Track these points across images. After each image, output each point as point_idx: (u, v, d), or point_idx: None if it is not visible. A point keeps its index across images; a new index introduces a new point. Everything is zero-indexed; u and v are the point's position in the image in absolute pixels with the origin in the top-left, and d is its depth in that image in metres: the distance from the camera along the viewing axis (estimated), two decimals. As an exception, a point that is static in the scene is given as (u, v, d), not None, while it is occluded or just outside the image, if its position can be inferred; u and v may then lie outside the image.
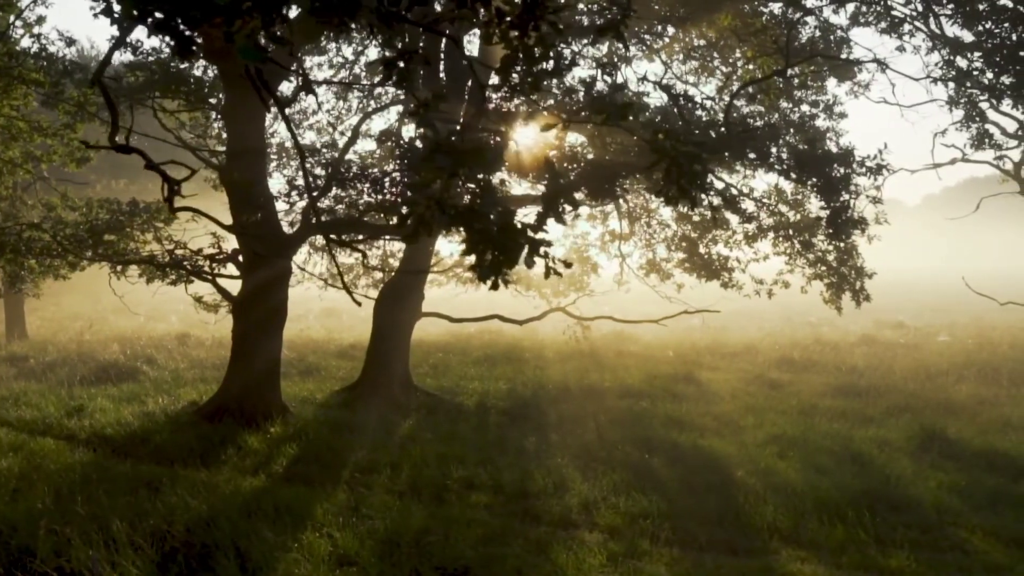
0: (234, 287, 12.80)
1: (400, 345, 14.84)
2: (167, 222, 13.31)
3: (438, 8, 10.82)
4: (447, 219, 3.23)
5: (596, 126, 10.64)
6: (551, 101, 14.64)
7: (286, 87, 14.65)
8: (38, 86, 13.41)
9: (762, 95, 15.16)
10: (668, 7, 15.38)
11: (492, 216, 3.18)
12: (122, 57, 16.10)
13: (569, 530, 7.74)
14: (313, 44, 16.17)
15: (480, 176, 3.32)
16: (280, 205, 13.18)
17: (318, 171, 12.58)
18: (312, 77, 18.22)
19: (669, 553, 7.13)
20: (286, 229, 13.43)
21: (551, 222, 3.75)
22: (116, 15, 3.07)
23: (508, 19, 3.46)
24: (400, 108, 17.88)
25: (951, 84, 14.59)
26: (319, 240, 15.34)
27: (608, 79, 11.47)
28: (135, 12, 2.55)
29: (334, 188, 12.26)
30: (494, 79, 11.38)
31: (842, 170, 12.21)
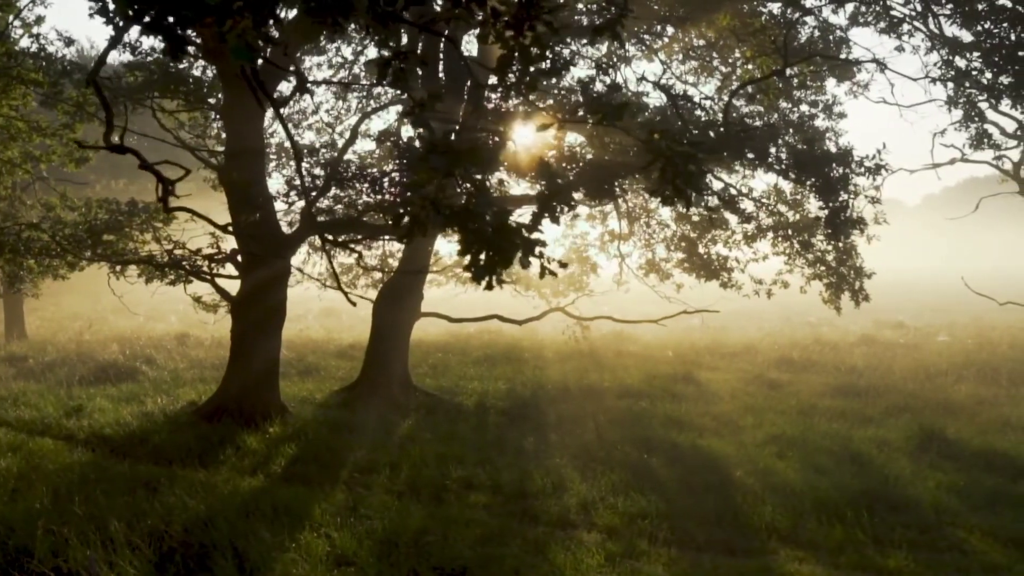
0: (233, 287, 12.81)
1: (399, 345, 14.84)
2: (166, 222, 13.32)
3: (437, 8, 10.81)
4: (442, 219, 3.22)
5: (594, 126, 10.64)
6: (550, 101, 14.66)
7: (285, 87, 14.65)
8: (37, 86, 13.41)
9: (761, 95, 15.15)
10: (667, 7, 15.37)
11: (487, 216, 3.18)
12: (121, 57, 16.11)
13: (567, 530, 7.74)
14: (312, 44, 16.17)
15: (476, 176, 3.32)
16: (279, 205, 13.20)
17: (317, 171, 12.58)
18: (312, 77, 18.23)
19: (667, 553, 7.13)
20: (285, 229, 13.44)
21: (547, 222, 3.75)
22: (111, 14, 3.07)
23: (504, 19, 3.45)
24: (400, 108, 17.89)
25: (950, 84, 14.59)
26: (318, 240, 15.34)
27: (606, 79, 11.47)
28: (129, 12, 2.54)
29: (333, 188, 12.26)
30: (493, 79, 11.39)
31: (841, 170, 12.20)
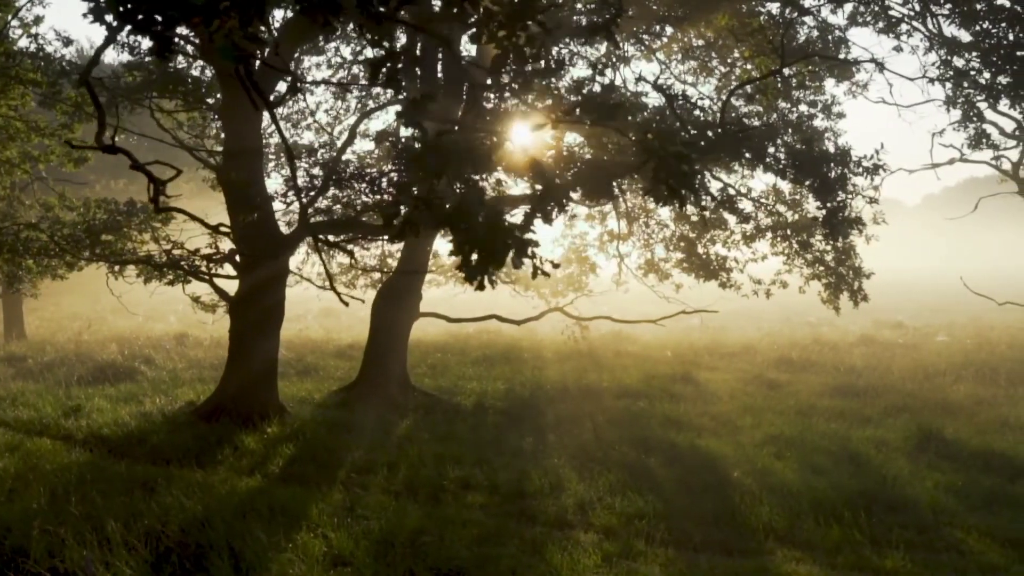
0: (231, 287, 12.81)
1: (398, 345, 14.84)
2: (164, 222, 13.32)
3: (435, 8, 10.80)
4: (433, 219, 3.22)
5: (591, 126, 10.63)
6: (549, 101, 14.65)
7: (284, 88, 14.64)
8: (35, 86, 13.42)
9: (760, 95, 15.15)
10: (666, 7, 15.36)
11: (480, 217, 3.18)
12: (120, 57, 16.15)
13: (564, 530, 7.73)
14: (309, 44, 16.16)
15: (468, 176, 3.32)
16: (278, 205, 13.20)
17: (316, 171, 12.58)
18: (311, 77, 18.23)
19: (664, 553, 7.13)
20: (284, 229, 13.43)
21: (544, 223, 3.75)
22: (102, 12, 3.07)
23: (498, 19, 3.45)
24: (398, 108, 17.86)
25: (948, 84, 14.59)
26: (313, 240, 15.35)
27: (602, 79, 11.46)
28: (120, 10, 2.54)
29: (331, 188, 12.25)
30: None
31: (839, 170, 12.20)
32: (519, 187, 14.62)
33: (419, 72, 13.87)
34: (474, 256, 3.13)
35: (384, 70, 3.37)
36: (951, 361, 19.22)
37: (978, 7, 13.30)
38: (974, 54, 13.62)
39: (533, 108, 10.17)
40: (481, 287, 3.25)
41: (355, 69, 18.06)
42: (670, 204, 4.26)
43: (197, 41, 12.14)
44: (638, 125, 10.07)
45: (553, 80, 13.55)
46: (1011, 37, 12.98)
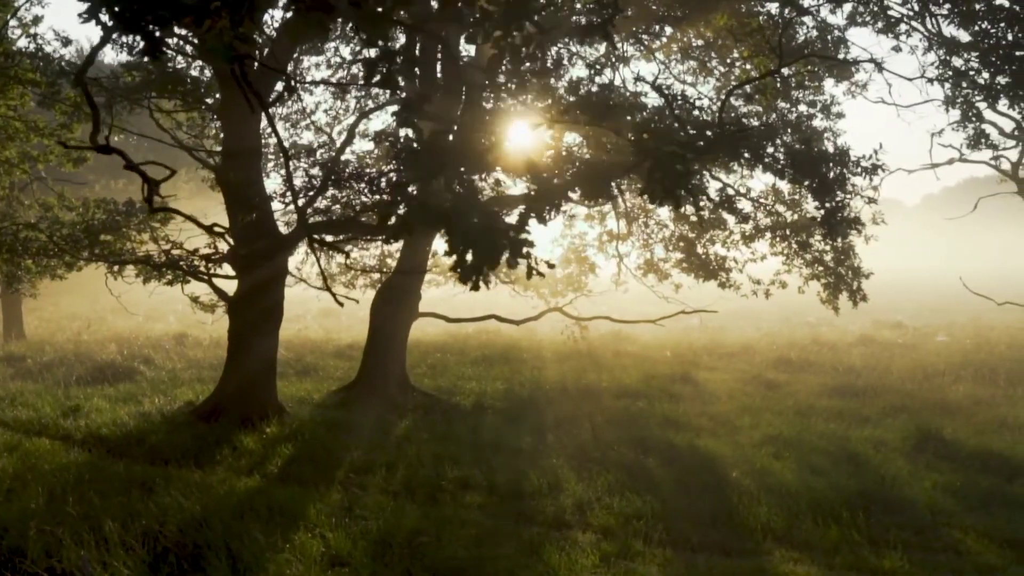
0: (230, 287, 12.81)
1: (397, 345, 14.83)
2: (163, 222, 13.33)
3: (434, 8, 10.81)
4: (428, 219, 3.22)
5: (588, 126, 10.63)
6: (549, 100, 14.64)
7: (282, 88, 14.64)
8: (34, 86, 13.41)
9: (759, 95, 15.15)
10: (665, 7, 15.36)
11: (474, 217, 3.17)
12: (119, 57, 16.17)
13: (562, 531, 7.73)
14: (307, 44, 16.15)
15: (464, 177, 3.31)
16: (276, 205, 13.19)
17: (314, 171, 12.57)
18: (310, 77, 18.23)
19: (662, 554, 7.13)
20: (283, 229, 13.43)
21: (539, 223, 3.75)
22: (96, 12, 3.07)
23: (493, 19, 3.45)
24: (398, 108, 17.86)
25: (947, 84, 14.59)
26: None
27: (599, 79, 11.45)
28: (113, 11, 2.54)
29: (330, 188, 12.24)
30: (489, 79, 11.36)
31: (837, 170, 12.19)
32: (518, 187, 14.63)
33: (418, 72, 13.86)
34: (469, 256, 3.13)
35: (380, 70, 3.37)
36: (950, 361, 19.22)
37: (977, 7, 13.30)
38: (973, 54, 13.62)
39: (531, 108, 10.15)
40: (476, 287, 3.24)
41: (354, 69, 18.07)
42: (666, 204, 4.26)
43: (196, 41, 12.14)
44: (636, 125, 10.06)
45: (551, 80, 13.56)
46: (1010, 37, 12.98)
